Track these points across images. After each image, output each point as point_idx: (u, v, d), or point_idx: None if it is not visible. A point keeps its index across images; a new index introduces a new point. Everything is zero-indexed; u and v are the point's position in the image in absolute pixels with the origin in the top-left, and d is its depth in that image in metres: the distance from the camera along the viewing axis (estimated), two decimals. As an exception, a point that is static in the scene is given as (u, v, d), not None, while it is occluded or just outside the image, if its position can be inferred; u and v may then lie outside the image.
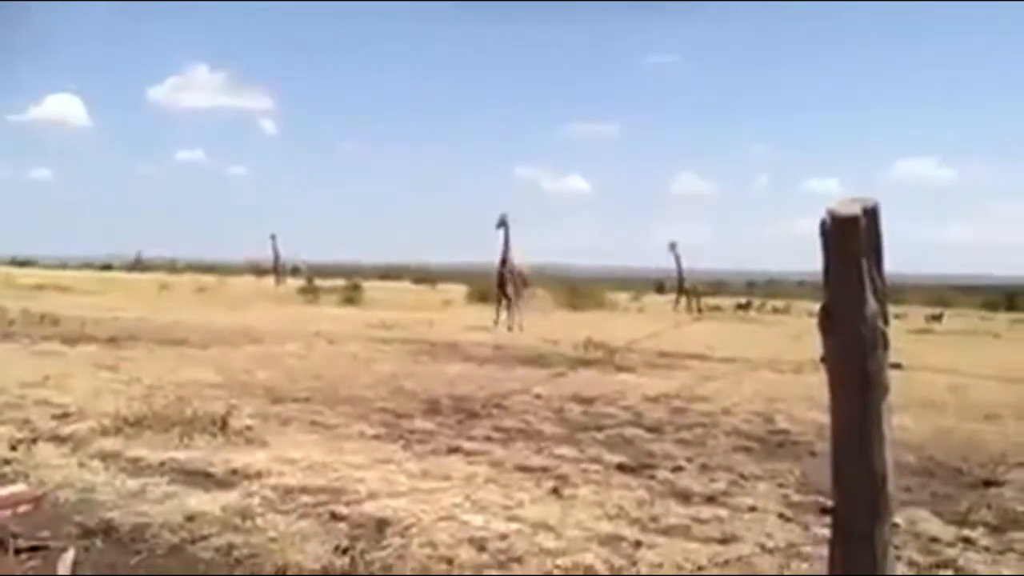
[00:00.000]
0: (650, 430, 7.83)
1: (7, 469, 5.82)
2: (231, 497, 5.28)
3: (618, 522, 5.00)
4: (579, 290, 34.05)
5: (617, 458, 6.64)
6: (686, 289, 31.48)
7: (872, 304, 2.38)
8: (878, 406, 2.39)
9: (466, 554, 4.38)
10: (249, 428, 7.22)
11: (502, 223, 21.82)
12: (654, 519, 5.09)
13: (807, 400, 8.85)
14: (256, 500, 5.23)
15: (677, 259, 31.31)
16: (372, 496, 5.32)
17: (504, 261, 21.83)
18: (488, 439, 7.25)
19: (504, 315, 21.30)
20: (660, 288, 43.14)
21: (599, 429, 7.80)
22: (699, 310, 30.81)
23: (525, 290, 23.36)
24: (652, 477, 6.13)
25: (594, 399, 9.31)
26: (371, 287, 36.39)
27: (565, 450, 6.86)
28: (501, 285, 21.91)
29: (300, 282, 38.02)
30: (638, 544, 4.60)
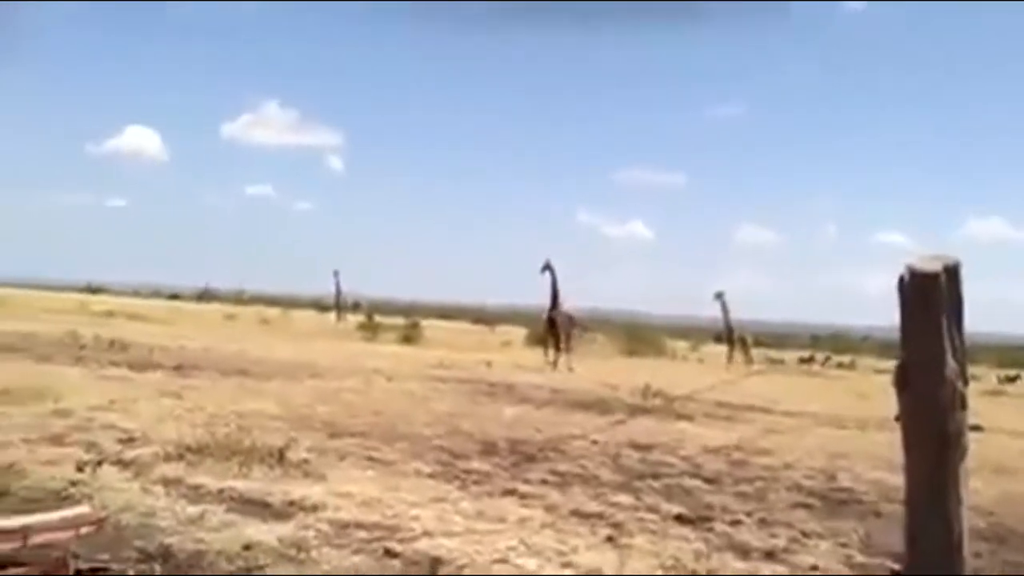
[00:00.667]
0: (709, 481, 7.68)
1: (72, 490, 5.95)
2: (287, 529, 5.31)
3: (674, 574, 4.90)
4: (639, 336, 33.83)
5: (675, 508, 6.52)
6: (734, 340, 30.13)
7: (951, 364, 2.32)
8: (955, 468, 2.32)
9: (519, 599, 4.34)
10: (307, 461, 7.28)
11: (547, 267, 22.37)
12: (711, 572, 4.97)
13: (872, 458, 8.61)
14: (311, 533, 5.26)
15: (724, 309, 30.13)
16: (427, 534, 5.31)
17: (554, 304, 22.31)
18: (544, 483, 7.18)
19: (557, 356, 21.63)
20: (719, 338, 42.28)
21: (656, 477, 7.68)
22: (751, 362, 29.79)
23: (576, 331, 23.61)
24: (710, 529, 6.00)
25: (652, 447, 9.18)
26: (429, 326, 36.57)
27: (622, 497, 6.76)
28: (552, 327, 22.35)
29: (360, 318, 38.43)
30: (695, 598, 4.50)
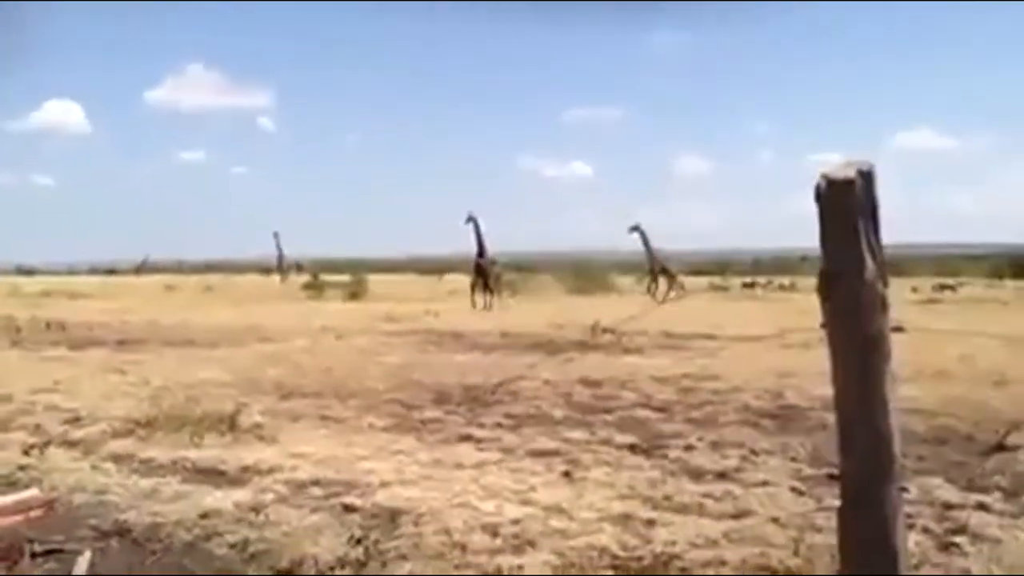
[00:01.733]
0: (660, 410, 7.83)
1: (20, 475, 5.85)
2: (244, 493, 5.29)
3: (630, 502, 5.00)
4: (585, 275, 34.03)
5: (628, 439, 6.64)
6: (656, 270, 30.16)
7: (871, 267, 2.35)
8: (880, 369, 2.37)
9: (479, 539, 4.39)
10: (259, 425, 7.23)
11: (470, 219, 24.29)
12: (667, 498, 5.09)
13: (817, 373, 8.77)
14: (269, 495, 5.25)
15: (644, 241, 30.23)
16: (384, 486, 5.34)
17: (481, 253, 24.27)
18: (498, 426, 7.25)
19: (490, 299, 23.63)
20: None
21: (609, 411, 7.80)
22: (682, 288, 30.08)
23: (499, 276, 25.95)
24: (664, 456, 6.12)
25: (603, 382, 9.31)
26: (376, 280, 36.29)
27: (575, 433, 6.86)
28: (480, 273, 24.25)
29: (305, 278, 37.99)
30: (651, 523, 4.60)
